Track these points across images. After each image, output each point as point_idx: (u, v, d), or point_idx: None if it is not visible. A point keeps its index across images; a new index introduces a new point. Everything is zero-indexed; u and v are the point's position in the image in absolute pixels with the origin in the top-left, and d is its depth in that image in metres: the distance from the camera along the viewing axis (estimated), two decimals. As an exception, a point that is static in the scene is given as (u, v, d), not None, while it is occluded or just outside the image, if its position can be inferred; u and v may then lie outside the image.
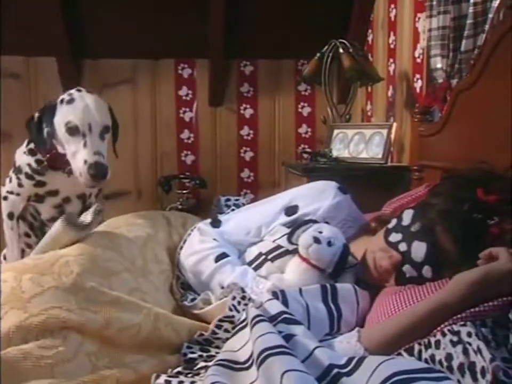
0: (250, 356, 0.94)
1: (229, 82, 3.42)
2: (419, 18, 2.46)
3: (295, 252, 1.35)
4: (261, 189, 3.45)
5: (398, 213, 1.34)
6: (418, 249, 1.22)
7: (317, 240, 1.30)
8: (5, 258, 2.19)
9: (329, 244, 1.30)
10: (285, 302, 1.14)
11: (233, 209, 1.70)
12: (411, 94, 2.57)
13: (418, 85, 2.49)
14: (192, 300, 1.34)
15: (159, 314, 1.14)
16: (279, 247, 1.39)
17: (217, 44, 3.19)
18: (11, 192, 2.07)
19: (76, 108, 1.80)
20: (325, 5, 3.12)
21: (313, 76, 2.79)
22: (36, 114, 1.92)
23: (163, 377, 1.00)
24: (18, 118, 3.20)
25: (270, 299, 1.11)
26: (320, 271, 1.31)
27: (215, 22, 3.08)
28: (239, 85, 3.43)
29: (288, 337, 0.97)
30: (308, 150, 3.00)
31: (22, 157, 2.03)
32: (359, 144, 2.50)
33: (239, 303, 1.18)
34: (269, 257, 1.39)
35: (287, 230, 1.40)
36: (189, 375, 1.02)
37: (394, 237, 1.27)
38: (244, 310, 1.13)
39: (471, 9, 1.78)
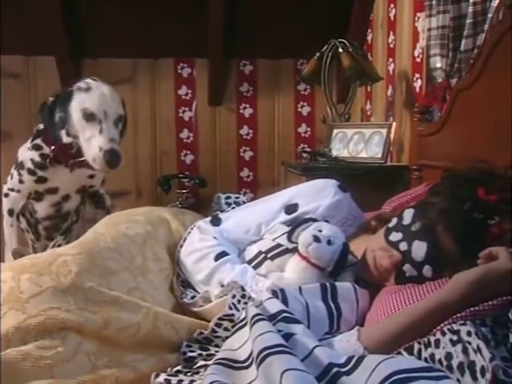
0: (250, 354, 0.94)
1: (229, 82, 3.42)
2: (418, 17, 2.46)
3: (294, 250, 1.35)
4: (260, 189, 3.45)
5: (399, 212, 1.34)
6: (419, 249, 1.22)
7: (316, 239, 1.30)
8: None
9: (329, 242, 1.30)
10: (285, 301, 1.13)
11: (233, 207, 1.70)
12: (410, 93, 2.57)
13: (417, 84, 2.49)
14: (192, 297, 1.34)
15: (158, 313, 1.14)
16: (278, 245, 1.39)
17: (217, 44, 3.19)
18: (12, 189, 2.09)
19: (93, 95, 1.85)
20: (324, 5, 3.12)
21: (313, 75, 2.79)
22: (50, 99, 1.94)
23: (163, 376, 1.00)
24: (17, 117, 3.22)
25: (270, 298, 1.11)
26: (320, 269, 1.31)
27: (214, 22, 3.08)
28: (238, 85, 3.43)
29: (288, 336, 0.97)
30: (308, 149, 3.00)
31: (26, 153, 2.05)
32: (358, 143, 2.50)
33: (238, 301, 1.18)
34: (269, 255, 1.39)
35: (287, 229, 1.40)
36: (189, 374, 1.02)
37: (395, 236, 1.27)
38: (243, 308, 1.13)
39: (470, 9, 1.78)
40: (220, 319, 1.14)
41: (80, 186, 2.13)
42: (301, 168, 2.43)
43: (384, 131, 2.41)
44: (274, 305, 1.07)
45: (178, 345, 1.12)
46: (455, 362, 0.88)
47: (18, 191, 2.08)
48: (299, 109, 3.47)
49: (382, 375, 0.82)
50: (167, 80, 3.37)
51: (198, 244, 1.42)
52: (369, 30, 3.17)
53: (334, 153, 2.56)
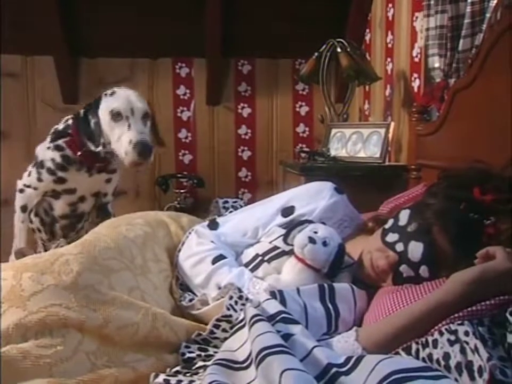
0: (249, 355, 0.95)
1: (227, 82, 3.42)
2: (417, 17, 2.47)
3: (291, 252, 1.35)
4: (258, 188, 3.45)
5: (395, 213, 1.34)
6: (415, 249, 1.22)
7: (312, 240, 1.30)
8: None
9: (325, 244, 1.30)
10: (283, 302, 1.14)
11: (231, 211, 1.70)
12: (409, 93, 2.58)
13: (416, 84, 2.49)
14: (190, 300, 1.34)
15: (157, 314, 1.14)
16: (275, 248, 1.39)
17: (215, 43, 3.19)
18: (28, 186, 2.11)
19: (118, 96, 1.93)
20: (322, 4, 3.13)
21: (311, 75, 2.79)
22: (81, 111, 2.02)
23: (162, 377, 1.00)
24: (15, 116, 3.22)
25: (268, 299, 1.11)
26: (316, 271, 1.31)
27: (212, 21, 3.08)
28: (236, 84, 3.43)
29: (287, 337, 0.97)
30: (306, 149, 3.00)
31: (46, 152, 2.08)
32: (356, 143, 2.51)
33: (236, 302, 1.18)
34: (266, 258, 1.39)
35: (283, 231, 1.40)
36: (188, 375, 1.03)
37: (391, 237, 1.27)
38: (241, 309, 1.14)
39: (468, 9, 1.79)
40: (217, 320, 1.14)
41: (96, 191, 2.17)
42: (299, 168, 2.43)
43: (382, 131, 2.42)
44: (272, 306, 1.07)
45: (177, 347, 1.12)
46: (452, 362, 0.88)
47: (35, 189, 2.10)
48: (297, 109, 3.48)
49: (381, 374, 0.82)
50: (165, 80, 3.37)
51: (196, 247, 1.42)
52: (368, 30, 3.17)
53: (332, 153, 2.56)
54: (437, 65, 2.02)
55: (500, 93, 1.56)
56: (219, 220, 1.56)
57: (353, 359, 0.91)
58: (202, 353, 1.09)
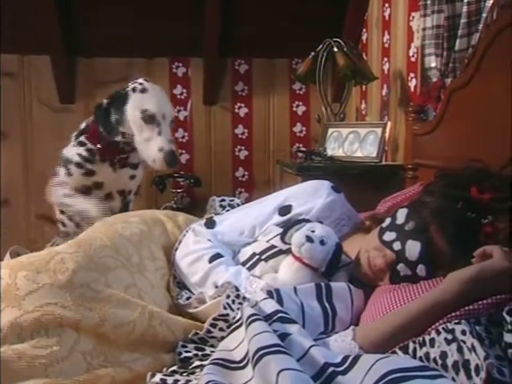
0: (246, 354, 0.94)
1: (224, 81, 3.42)
2: (413, 17, 2.47)
3: (288, 251, 1.35)
4: (255, 188, 3.45)
5: (392, 212, 1.34)
6: (412, 248, 1.22)
7: (309, 239, 1.30)
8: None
9: (322, 242, 1.30)
10: (280, 301, 1.14)
11: (228, 210, 1.70)
12: (405, 93, 2.58)
13: (412, 83, 2.49)
14: (187, 298, 1.34)
15: (153, 312, 1.14)
16: (272, 247, 1.39)
17: (212, 43, 3.19)
18: (59, 184, 2.12)
19: (151, 97, 1.93)
20: (319, 4, 3.13)
21: (308, 74, 2.79)
22: (105, 101, 2.01)
23: (158, 376, 1.00)
24: (12, 116, 3.21)
25: (265, 298, 1.11)
26: (313, 270, 1.31)
27: (209, 21, 3.08)
28: (233, 84, 3.43)
29: (283, 336, 0.97)
30: (303, 148, 3.00)
31: (71, 150, 2.10)
32: (353, 143, 2.51)
33: (233, 301, 1.18)
34: (263, 257, 1.39)
35: (281, 230, 1.40)
36: (184, 374, 1.02)
37: (389, 236, 1.27)
38: (238, 308, 1.13)
39: (465, 8, 1.79)
40: (214, 319, 1.14)
41: (121, 188, 2.18)
42: (296, 167, 2.43)
43: (379, 130, 2.42)
44: (269, 306, 1.07)
45: (174, 346, 1.11)
46: (449, 361, 0.88)
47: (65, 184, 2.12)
48: (294, 108, 3.48)
49: (378, 374, 0.82)
50: (162, 80, 3.35)
51: (193, 246, 1.42)
52: (364, 30, 3.18)
53: (329, 152, 2.56)
54: (433, 64, 2.02)
55: (496, 93, 1.57)
56: (216, 218, 1.56)
57: (350, 359, 0.91)
58: (199, 353, 1.09)
